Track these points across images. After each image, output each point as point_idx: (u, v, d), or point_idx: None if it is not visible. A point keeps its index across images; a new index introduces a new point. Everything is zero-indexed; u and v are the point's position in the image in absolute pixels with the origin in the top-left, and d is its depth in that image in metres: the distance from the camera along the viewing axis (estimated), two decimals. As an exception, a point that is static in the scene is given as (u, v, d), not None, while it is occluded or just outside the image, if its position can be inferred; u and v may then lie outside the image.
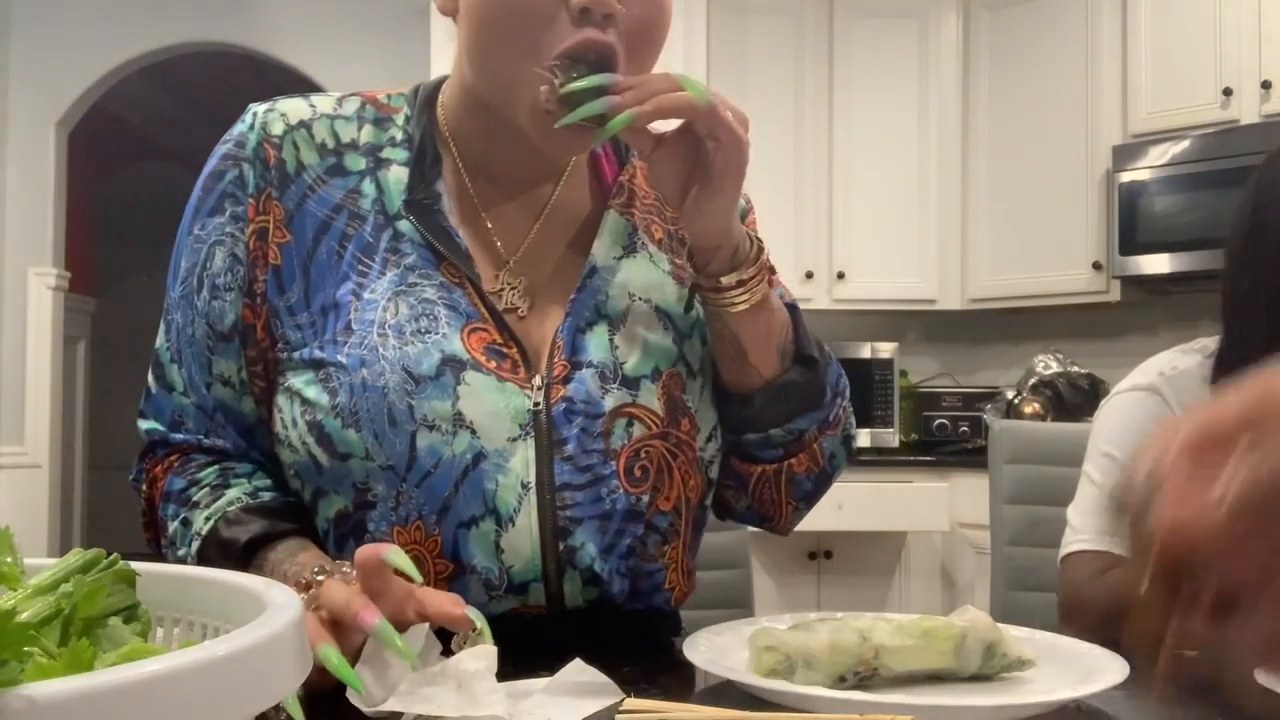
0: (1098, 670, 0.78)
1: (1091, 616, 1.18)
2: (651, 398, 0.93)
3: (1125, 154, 3.48)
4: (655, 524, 0.94)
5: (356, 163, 0.95)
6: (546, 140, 0.87)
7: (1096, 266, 3.60)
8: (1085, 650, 0.85)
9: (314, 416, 0.88)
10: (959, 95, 3.94)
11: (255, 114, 0.95)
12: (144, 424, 0.98)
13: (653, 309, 0.97)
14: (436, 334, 0.89)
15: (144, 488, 0.98)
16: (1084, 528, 1.25)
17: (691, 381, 0.97)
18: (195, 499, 0.92)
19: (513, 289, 0.95)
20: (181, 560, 0.91)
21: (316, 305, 0.91)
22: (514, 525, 0.88)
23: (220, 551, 0.87)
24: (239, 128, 0.95)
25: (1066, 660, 0.84)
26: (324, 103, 0.97)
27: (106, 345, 5.77)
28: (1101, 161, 3.58)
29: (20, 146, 4.43)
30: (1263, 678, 0.79)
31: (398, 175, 0.94)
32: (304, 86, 4.26)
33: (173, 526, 0.93)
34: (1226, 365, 1.21)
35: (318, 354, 0.89)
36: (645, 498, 0.93)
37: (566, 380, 0.91)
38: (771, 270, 0.98)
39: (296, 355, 0.90)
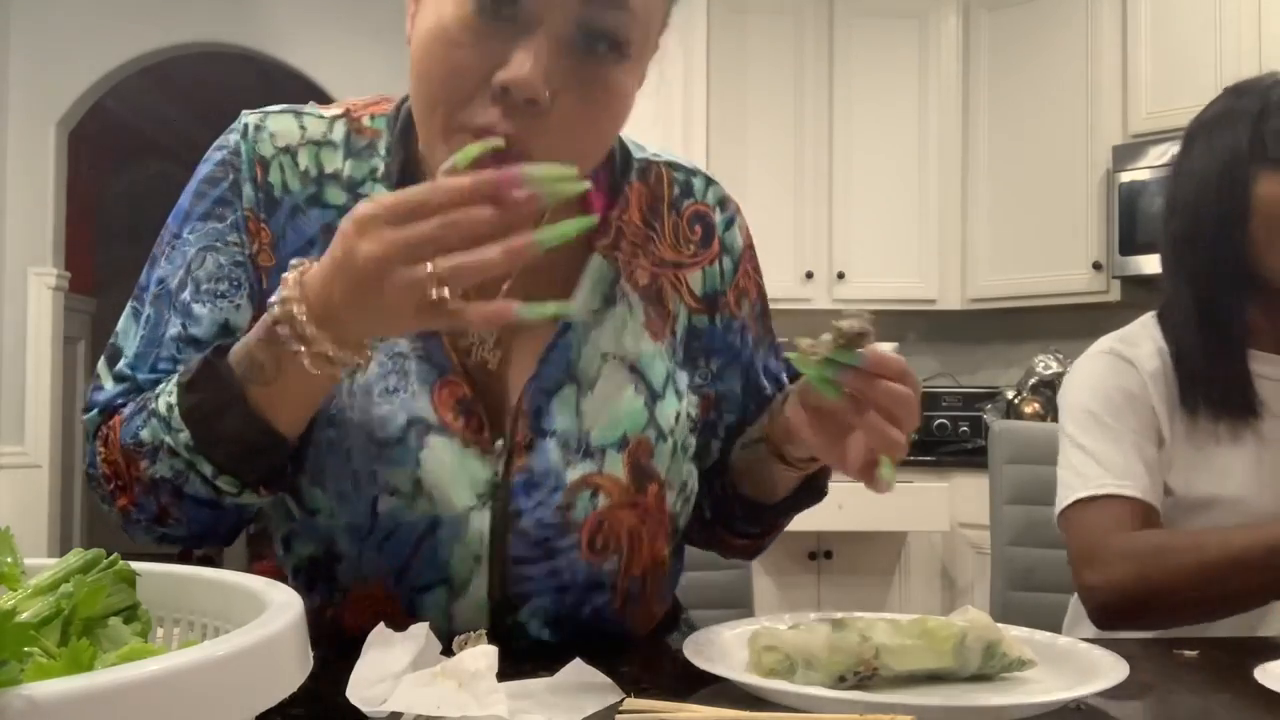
0: (1098, 670, 0.79)
1: (1120, 568, 1.18)
2: (617, 466, 0.91)
3: (1125, 154, 3.48)
4: (625, 589, 0.95)
5: (336, 196, 0.91)
6: None
7: (1096, 266, 3.60)
8: (1085, 650, 0.85)
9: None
10: (959, 95, 3.94)
11: (248, 126, 0.92)
12: (95, 403, 0.91)
13: (626, 369, 0.94)
14: (405, 392, 0.88)
15: (101, 451, 0.88)
16: (1083, 481, 1.27)
17: (661, 444, 0.94)
18: (149, 400, 0.84)
19: (483, 342, 0.92)
20: (158, 452, 0.81)
21: None
22: (466, 594, 0.89)
23: (191, 387, 0.79)
24: (232, 137, 0.92)
25: (1066, 660, 0.84)
26: (315, 126, 0.93)
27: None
28: (1101, 161, 3.58)
29: (20, 146, 4.43)
30: (1262, 677, 0.79)
31: None
32: (304, 86, 4.27)
33: (143, 433, 0.82)
34: (1167, 324, 1.33)
35: None
36: (609, 565, 0.93)
37: (529, 448, 0.90)
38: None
39: None
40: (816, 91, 3.92)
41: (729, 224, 1.03)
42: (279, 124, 0.92)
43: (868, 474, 0.81)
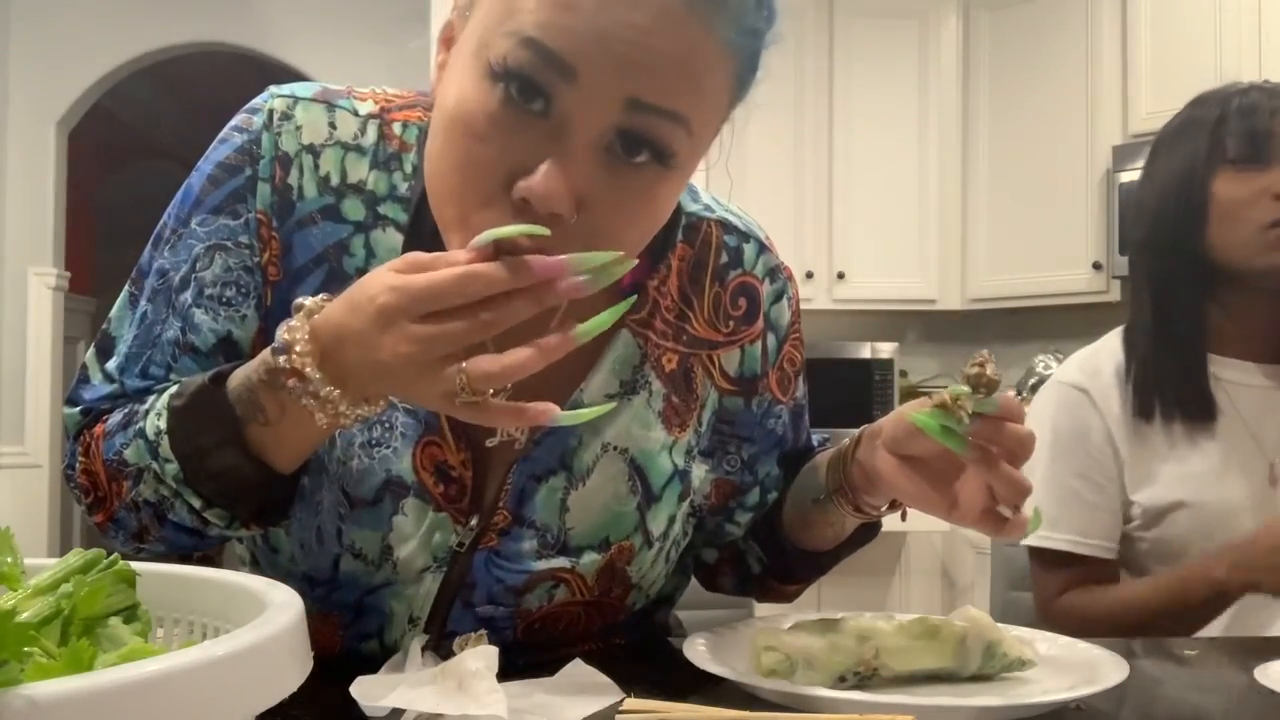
0: (1098, 670, 0.79)
1: (1065, 630, 1.22)
2: (591, 568, 0.86)
3: (1125, 154, 3.48)
4: (549, 654, 0.89)
5: (355, 210, 0.82)
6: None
7: (1096, 266, 3.60)
8: (1085, 650, 0.85)
9: None
10: (959, 95, 3.94)
11: (274, 114, 0.82)
12: (76, 406, 0.85)
13: (625, 463, 0.86)
14: (387, 448, 0.82)
15: (81, 460, 0.83)
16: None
17: (645, 551, 0.88)
18: (135, 416, 0.79)
19: None
20: (143, 475, 0.77)
21: None
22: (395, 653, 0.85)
23: (184, 417, 0.74)
24: (256, 121, 0.83)
25: (1066, 660, 0.84)
26: (346, 125, 0.83)
27: (106, 345, 5.75)
28: (1101, 161, 3.58)
29: (20, 146, 4.43)
30: (1262, 677, 0.79)
31: (391, 243, 0.82)
32: (304, 86, 4.26)
33: (127, 453, 0.78)
34: (1130, 343, 1.35)
35: None
36: (538, 641, 0.89)
37: (503, 532, 0.84)
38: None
39: None
40: (816, 91, 3.92)
41: (777, 297, 0.95)
42: (308, 115, 0.83)
43: (989, 520, 0.75)
